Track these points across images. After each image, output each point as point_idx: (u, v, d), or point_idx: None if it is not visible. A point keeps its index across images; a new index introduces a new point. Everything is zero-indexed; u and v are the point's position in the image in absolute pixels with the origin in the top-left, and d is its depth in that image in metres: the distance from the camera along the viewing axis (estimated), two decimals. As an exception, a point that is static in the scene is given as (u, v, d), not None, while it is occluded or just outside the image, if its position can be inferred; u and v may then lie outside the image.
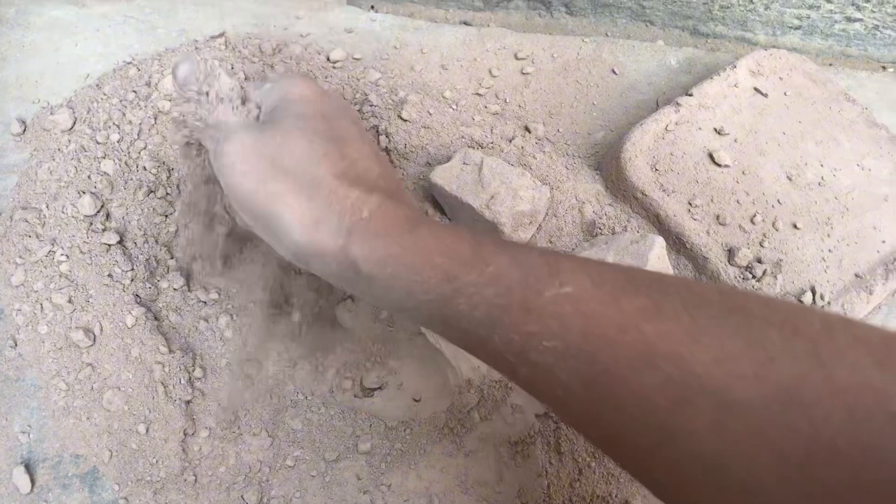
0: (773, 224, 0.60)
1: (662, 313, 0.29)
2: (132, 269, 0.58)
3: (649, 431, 0.28)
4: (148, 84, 0.66)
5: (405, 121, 0.66)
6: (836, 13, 0.75)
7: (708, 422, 0.27)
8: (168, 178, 0.62)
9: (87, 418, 0.53)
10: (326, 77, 0.69)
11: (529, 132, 0.68)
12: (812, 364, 0.26)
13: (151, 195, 0.61)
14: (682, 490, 0.29)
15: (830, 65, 0.80)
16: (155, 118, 0.64)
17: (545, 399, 0.33)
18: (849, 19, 0.76)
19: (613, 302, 0.30)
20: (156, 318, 0.57)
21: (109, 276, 0.57)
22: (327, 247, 0.36)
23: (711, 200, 0.60)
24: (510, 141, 0.66)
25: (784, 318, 0.28)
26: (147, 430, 0.53)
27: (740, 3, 0.75)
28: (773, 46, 0.79)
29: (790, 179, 0.62)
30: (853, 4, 0.73)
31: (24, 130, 0.65)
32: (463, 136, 0.66)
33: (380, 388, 0.56)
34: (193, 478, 0.53)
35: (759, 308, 0.29)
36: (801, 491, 0.25)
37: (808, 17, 0.76)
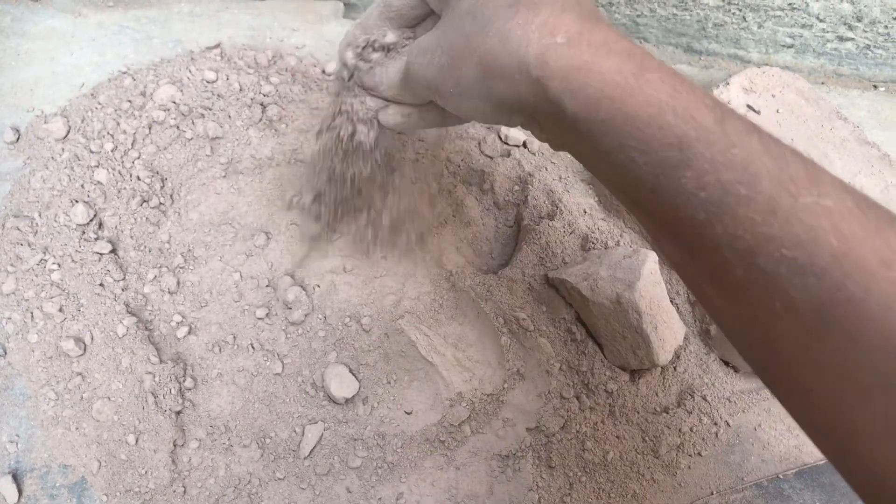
0: (765, 240, 0.60)
1: None
2: (124, 279, 0.58)
3: (878, 373, 0.25)
4: (143, 94, 0.66)
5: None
6: (828, 32, 0.76)
7: None
8: (161, 187, 0.62)
9: (76, 428, 0.53)
10: (322, 89, 0.69)
11: (525, 146, 0.68)
12: None
13: (144, 205, 0.61)
14: (879, 442, 0.26)
15: (822, 83, 0.81)
16: (149, 128, 0.64)
17: (749, 307, 0.28)
18: (841, 38, 0.76)
19: (878, 231, 0.26)
20: (146, 328, 0.57)
21: (101, 285, 0.57)
22: (508, 65, 0.32)
23: (704, 216, 0.61)
24: (507, 156, 0.66)
25: None
26: (136, 441, 0.53)
27: (734, 21, 0.76)
28: (766, 64, 0.79)
29: (782, 196, 0.62)
30: (845, 24, 0.74)
31: (18, 139, 0.64)
32: (458, 150, 0.66)
33: (368, 400, 0.56)
34: (182, 489, 0.52)
35: None
36: None
37: (801, 36, 0.77)
